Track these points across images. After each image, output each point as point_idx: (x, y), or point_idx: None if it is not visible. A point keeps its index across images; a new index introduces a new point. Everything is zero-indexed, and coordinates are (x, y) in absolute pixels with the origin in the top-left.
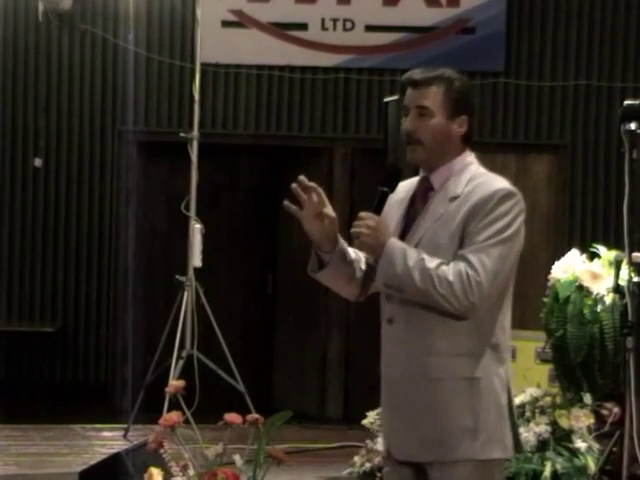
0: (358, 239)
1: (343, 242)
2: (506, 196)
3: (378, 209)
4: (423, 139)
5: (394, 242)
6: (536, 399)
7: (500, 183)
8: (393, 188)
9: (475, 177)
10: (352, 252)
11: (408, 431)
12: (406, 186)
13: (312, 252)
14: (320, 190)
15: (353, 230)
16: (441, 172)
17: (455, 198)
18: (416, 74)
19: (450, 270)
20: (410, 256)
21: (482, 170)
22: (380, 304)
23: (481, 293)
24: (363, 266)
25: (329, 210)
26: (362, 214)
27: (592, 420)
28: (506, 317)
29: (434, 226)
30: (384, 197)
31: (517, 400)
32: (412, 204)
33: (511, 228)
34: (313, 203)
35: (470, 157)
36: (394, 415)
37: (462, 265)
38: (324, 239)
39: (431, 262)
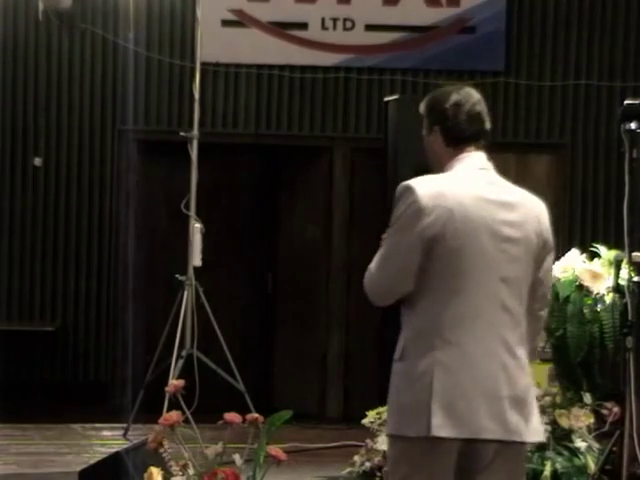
0: None
1: None
2: (399, 192)
3: None
4: (427, 160)
5: None
6: (536, 399)
7: (408, 180)
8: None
9: None
10: None
11: None
12: None
13: None
14: None
15: None
16: None
17: None
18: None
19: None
20: None
21: (452, 170)
22: None
23: (368, 279)
24: None
25: None
26: None
27: (592, 420)
28: (436, 305)
29: None
30: None
31: None
32: None
33: (399, 220)
34: None
35: (455, 160)
36: None
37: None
38: None
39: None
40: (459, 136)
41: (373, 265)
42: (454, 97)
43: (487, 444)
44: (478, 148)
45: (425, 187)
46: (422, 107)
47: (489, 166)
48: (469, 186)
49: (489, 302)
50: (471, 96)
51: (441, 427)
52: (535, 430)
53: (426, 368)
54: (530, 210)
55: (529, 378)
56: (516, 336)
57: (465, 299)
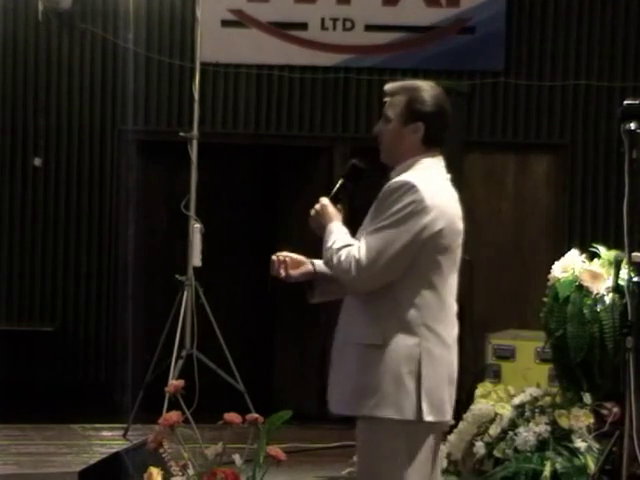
0: (310, 220)
1: (318, 265)
2: (399, 187)
3: (335, 197)
4: (384, 141)
5: (331, 226)
6: (536, 399)
7: (405, 177)
8: (353, 182)
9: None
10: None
11: (333, 388)
12: None
13: (303, 287)
14: (285, 255)
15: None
16: (397, 169)
17: None
18: (387, 86)
19: (346, 251)
20: (331, 238)
21: (423, 166)
22: None
23: (359, 270)
24: None
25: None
26: (321, 199)
27: (592, 420)
28: (420, 297)
29: (367, 217)
30: (342, 188)
31: (517, 400)
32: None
33: (398, 214)
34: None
35: (423, 156)
36: (330, 374)
37: (354, 246)
38: (303, 277)
39: (338, 243)
40: (437, 140)
41: (363, 255)
42: (438, 100)
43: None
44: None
45: (424, 186)
46: (400, 94)
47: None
48: (445, 185)
49: (452, 294)
50: (447, 100)
51: (428, 412)
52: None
53: (412, 355)
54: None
55: None
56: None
57: (441, 291)
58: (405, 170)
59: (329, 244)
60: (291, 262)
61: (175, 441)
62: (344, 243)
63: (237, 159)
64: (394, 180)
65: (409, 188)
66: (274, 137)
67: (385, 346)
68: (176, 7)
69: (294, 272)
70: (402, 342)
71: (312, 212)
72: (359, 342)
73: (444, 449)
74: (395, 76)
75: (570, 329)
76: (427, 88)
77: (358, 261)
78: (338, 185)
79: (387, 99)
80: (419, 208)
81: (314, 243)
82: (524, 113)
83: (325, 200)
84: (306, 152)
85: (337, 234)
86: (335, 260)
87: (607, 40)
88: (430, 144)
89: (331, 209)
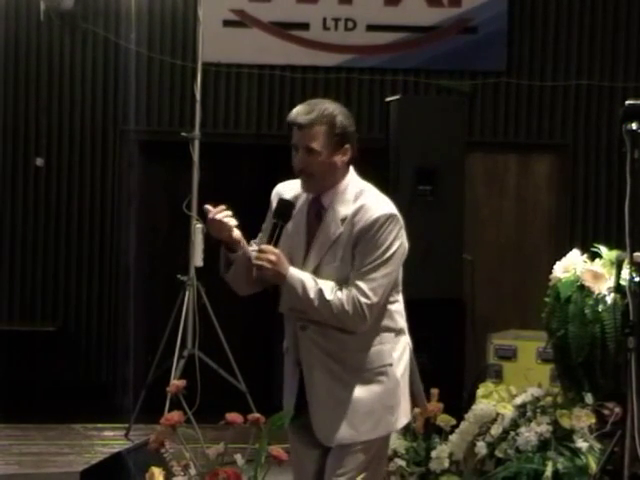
0: (260, 270)
1: (247, 246)
2: (386, 221)
3: (276, 241)
4: (314, 173)
5: (293, 273)
6: (537, 399)
7: (381, 208)
8: (286, 220)
9: (358, 195)
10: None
11: (336, 420)
12: (293, 196)
13: (221, 253)
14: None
15: (255, 262)
16: (329, 194)
17: (344, 219)
18: (300, 117)
19: (344, 298)
20: (309, 287)
21: (362, 186)
22: (285, 314)
23: (372, 312)
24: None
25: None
26: (264, 247)
27: (593, 420)
28: (401, 304)
29: (332, 248)
30: (280, 230)
31: (518, 400)
32: (309, 225)
33: (392, 248)
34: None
35: (350, 175)
36: (319, 408)
37: (355, 292)
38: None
39: (328, 292)
40: (355, 155)
41: (373, 297)
42: (349, 116)
43: None
44: None
45: (395, 208)
46: (317, 124)
47: None
48: None
49: None
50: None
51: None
52: None
53: (407, 364)
54: None
55: None
56: None
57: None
58: (345, 193)
59: (312, 295)
60: (226, 219)
61: (177, 441)
62: (333, 288)
63: (239, 159)
64: (379, 215)
65: (393, 219)
66: (276, 137)
67: (394, 363)
68: (178, 7)
69: (224, 220)
70: (402, 352)
71: (265, 264)
72: (364, 367)
73: (446, 449)
74: (397, 76)
75: (571, 329)
76: (337, 107)
77: (371, 306)
78: (274, 228)
79: (300, 131)
80: (401, 234)
81: None
82: (526, 113)
83: (273, 248)
84: None
85: (311, 281)
86: (337, 310)
87: (609, 40)
88: (352, 160)
89: (283, 256)
